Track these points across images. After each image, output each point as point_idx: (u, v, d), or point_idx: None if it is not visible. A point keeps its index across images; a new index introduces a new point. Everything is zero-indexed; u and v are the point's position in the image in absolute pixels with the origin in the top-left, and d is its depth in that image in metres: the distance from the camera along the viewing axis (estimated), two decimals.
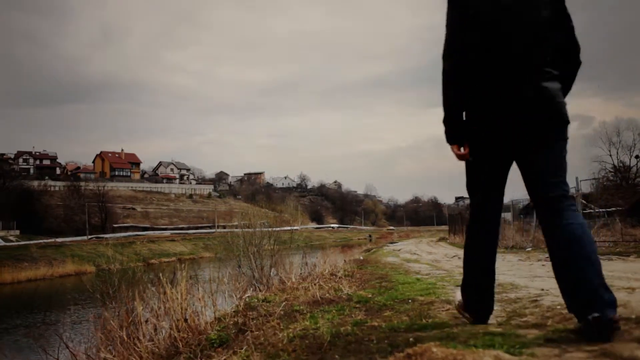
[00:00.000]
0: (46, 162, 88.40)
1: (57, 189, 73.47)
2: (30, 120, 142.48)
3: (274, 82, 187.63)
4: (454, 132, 2.22)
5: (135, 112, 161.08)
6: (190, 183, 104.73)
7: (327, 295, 4.27)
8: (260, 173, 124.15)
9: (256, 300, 4.55)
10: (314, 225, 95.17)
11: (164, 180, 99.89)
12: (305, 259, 10.32)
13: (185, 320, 3.86)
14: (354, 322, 2.66)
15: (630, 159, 34.41)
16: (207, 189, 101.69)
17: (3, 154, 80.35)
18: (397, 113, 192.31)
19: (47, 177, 77.45)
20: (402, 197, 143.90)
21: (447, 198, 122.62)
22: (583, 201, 12.98)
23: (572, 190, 13.16)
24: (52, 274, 37.44)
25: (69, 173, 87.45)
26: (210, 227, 71.26)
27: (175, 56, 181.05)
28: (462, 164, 2.30)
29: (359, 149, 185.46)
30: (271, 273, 12.70)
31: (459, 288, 2.45)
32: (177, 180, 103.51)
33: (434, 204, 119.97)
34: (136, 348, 3.92)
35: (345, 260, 11.40)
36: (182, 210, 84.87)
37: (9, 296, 30.03)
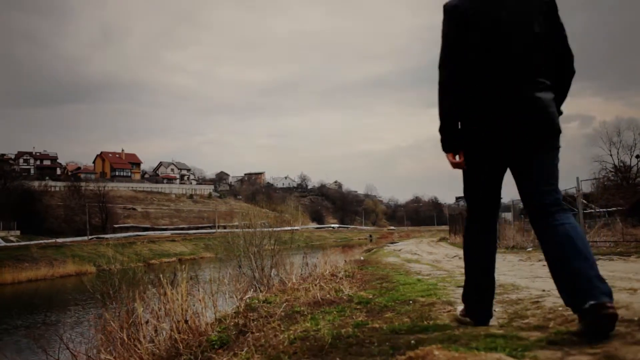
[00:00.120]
0: (47, 162, 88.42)
1: (57, 189, 73.48)
2: (30, 120, 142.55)
3: (274, 82, 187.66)
4: (450, 141, 2.29)
5: (135, 112, 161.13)
6: (191, 183, 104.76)
7: (328, 296, 4.26)
8: (260, 173, 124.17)
9: (257, 301, 4.55)
10: (314, 225, 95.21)
11: (165, 181, 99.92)
12: (306, 260, 10.31)
13: (186, 321, 3.85)
14: (355, 324, 2.65)
15: (630, 159, 34.39)
16: (208, 189, 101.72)
17: (3, 155, 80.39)
18: (397, 113, 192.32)
19: (47, 178, 77.46)
20: (403, 197, 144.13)
21: (447, 198, 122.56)
22: (584, 201, 12.94)
23: (573, 190, 13.15)
24: (53, 274, 37.45)
25: (70, 173, 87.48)
26: (210, 228, 71.30)
27: (175, 56, 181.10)
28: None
29: (359, 149, 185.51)
30: (272, 273, 12.70)
31: (460, 297, 2.50)
32: (178, 181, 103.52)
33: (435, 204, 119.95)
34: (137, 350, 3.92)
35: (345, 261, 11.39)
36: (182, 210, 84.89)
37: (9, 296, 30.04)
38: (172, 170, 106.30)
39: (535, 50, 2.16)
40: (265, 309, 3.88)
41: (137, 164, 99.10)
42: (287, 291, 5.33)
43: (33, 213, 59.25)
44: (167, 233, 67.02)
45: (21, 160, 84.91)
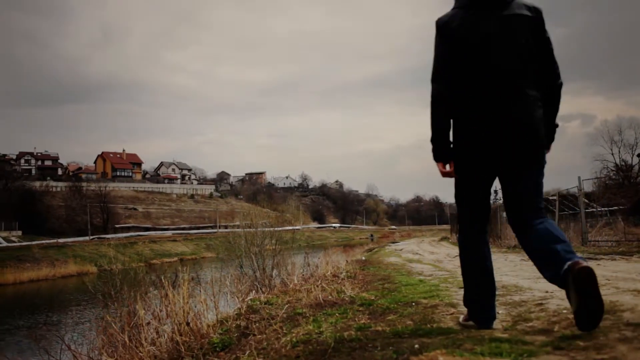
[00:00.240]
0: (48, 162, 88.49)
1: (58, 189, 73.54)
2: (30, 120, 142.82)
3: (274, 82, 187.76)
4: (440, 151, 2.40)
5: (135, 112, 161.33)
6: (192, 183, 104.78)
7: (330, 297, 4.24)
8: (261, 173, 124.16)
9: (258, 302, 4.54)
10: (315, 225, 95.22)
11: (166, 181, 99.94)
12: (307, 260, 10.30)
13: (188, 323, 3.83)
14: (357, 327, 2.63)
15: (632, 158, 34.38)
16: (209, 189, 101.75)
17: (5, 155, 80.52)
18: (398, 112, 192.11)
19: (48, 178, 77.49)
20: (404, 196, 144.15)
21: (448, 197, 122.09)
22: (585, 200, 12.90)
23: (575, 190, 13.11)
24: (54, 274, 37.50)
25: (71, 174, 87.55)
26: (212, 227, 71.32)
27: (175, 56, 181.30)
28: None
29: (360, 149, 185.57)
30: (273, 274, 12.68)
31: (462, 301, 2.54)
32: (179, 181, 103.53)
33: (436, 203, 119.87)
34: (138, 352, 3.90)
35: (347, 261, 11.37)
36: (183, 210, 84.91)
37: (11, 297, 30.07)
38: (173, 170, 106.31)
39: (523, 65, 2.26)
40: (267, 311, 3.86)
41: (138, 164, 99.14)
42: (288, 292, 5.32)
43: (34, 213, 59.31)
44: (169, 233, 67.04)
45: (22, 161, 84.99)
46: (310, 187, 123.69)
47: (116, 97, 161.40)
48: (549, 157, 2.40)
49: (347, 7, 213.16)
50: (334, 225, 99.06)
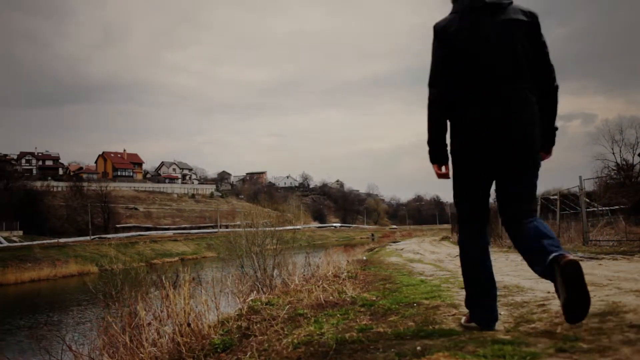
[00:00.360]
0: (49, 162, 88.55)
1: (59, 189, 73.58)
2: (31, 120, 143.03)
3: (274, 81, 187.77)
4: (436, 154, 2.45)
5: (136, 112, 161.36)
6: (193, 183, 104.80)
7: (331, 298, 4.23)
8: (262, 173, 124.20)
9: (259, 303, 4.52)
10: (316, 224, 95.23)
11: (167, 180, 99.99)
12: (308, 260, 10.29)
13: (189, 324, 3.82)
14: (359, 328, 2.62)
15: (633, 157, 34.34)
16: (210, 188, 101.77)
17: (6, 155, 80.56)
18: (398, 112, 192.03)
19: (49, 178, 77.55)
20: (405, 195, 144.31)
21: (449, 197, 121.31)
22: (587, 200, 12.88)
23: (576, 189, 13.09)
24: (55, 274, 37.48)
25: (72, 173, 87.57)
26: (212, 227, 71.36)
27: (175, 56, 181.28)
28: None
29: (360, 148, 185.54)
30: (274, 274, 12.68)
31: (464, 302, 2.55)
32: (180, 180, 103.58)
33: (437, 203, 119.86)
34: (139, 353, 3.90)
35: (348, 261, 11.35)
36: (184, 210, 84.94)
37: (12, 297, 30.10)
38: (174, 170, 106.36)
39: (520, 69, 2.29)
40: (268, 312, 3.85)
41: (139, 163, 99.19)
42: (289, 292, 5.30)
43: (35, 213, 59.35)
44: (169, 233, 67.05)
45: (23, 161, 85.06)
46: (311, 186, 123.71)
47: (117, 97, 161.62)
48: (550, 159, 2.41)
49: (347, 7, 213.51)
50: (334, 224, 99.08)
